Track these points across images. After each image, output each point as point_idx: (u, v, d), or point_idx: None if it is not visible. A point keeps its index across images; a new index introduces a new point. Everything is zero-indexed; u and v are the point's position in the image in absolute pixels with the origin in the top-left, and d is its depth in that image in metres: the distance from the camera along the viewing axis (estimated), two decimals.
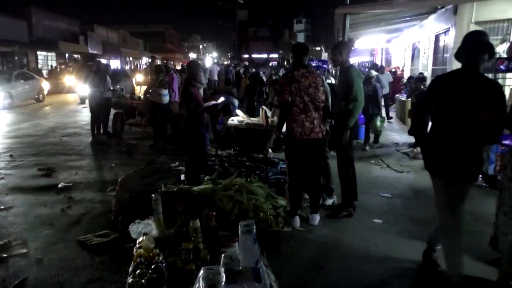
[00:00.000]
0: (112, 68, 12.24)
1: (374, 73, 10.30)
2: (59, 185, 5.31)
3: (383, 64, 16.61)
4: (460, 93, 2.77)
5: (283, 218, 4.00)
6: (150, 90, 7.75)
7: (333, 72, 14.70)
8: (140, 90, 10.66)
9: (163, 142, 7.93)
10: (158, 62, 12.78)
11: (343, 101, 4.24)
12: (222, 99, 5.55)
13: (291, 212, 4.07)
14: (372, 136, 8.40)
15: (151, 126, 8.11)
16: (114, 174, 5.91)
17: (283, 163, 5.42)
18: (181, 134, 5.02)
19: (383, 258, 3.45)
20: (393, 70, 16.37)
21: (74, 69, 21.43)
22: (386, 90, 11.07)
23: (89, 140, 8.28)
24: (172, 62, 12.47)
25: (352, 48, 16.16)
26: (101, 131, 8.85)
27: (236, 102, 8.66)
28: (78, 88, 16.23)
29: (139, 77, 18.78)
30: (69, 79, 20.12)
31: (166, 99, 7.73)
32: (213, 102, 5.21)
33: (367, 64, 23.26)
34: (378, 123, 8.15)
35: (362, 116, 7.64)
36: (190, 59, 37.08)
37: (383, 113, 10.16)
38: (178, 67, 19.47)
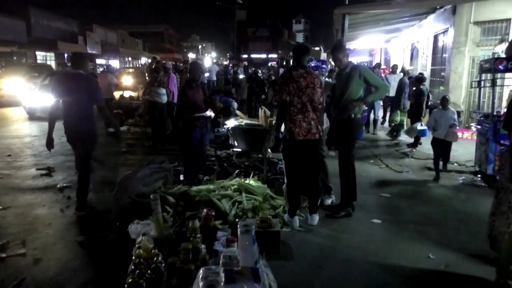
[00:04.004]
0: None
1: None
2: (58, 185, 5.31)
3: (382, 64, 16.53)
4: None
5: (282, 218, 4.00)
6: (148, 90, 7.75)
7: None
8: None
9: (161, 142, 7.92)
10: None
11: (341, 99, 4.28)
12: (212, 114, 5.29)
13: (290, 212, 4.07)
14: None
15: (150, 126, 8.09)
16: (113, 174, 5.90)
17: (282, 163, 5.43)
18: (178, 134, 5.02)
19: (382, 258, 3.45)
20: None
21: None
22: (392, 92, 9.48)
23: None
24: (170, 63, 12.40)
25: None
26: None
27: (235, 105, 8.70)
28: (22, 98, 12.03)
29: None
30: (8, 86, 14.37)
31: (164, 98, 7.73)
32: (208, 113, 5.07)
33: (366, 64, 23.18)
34: (398, 117, 8.96)
35: (365, 115, 7.87)
36: (189, 59, 36.98)
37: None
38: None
